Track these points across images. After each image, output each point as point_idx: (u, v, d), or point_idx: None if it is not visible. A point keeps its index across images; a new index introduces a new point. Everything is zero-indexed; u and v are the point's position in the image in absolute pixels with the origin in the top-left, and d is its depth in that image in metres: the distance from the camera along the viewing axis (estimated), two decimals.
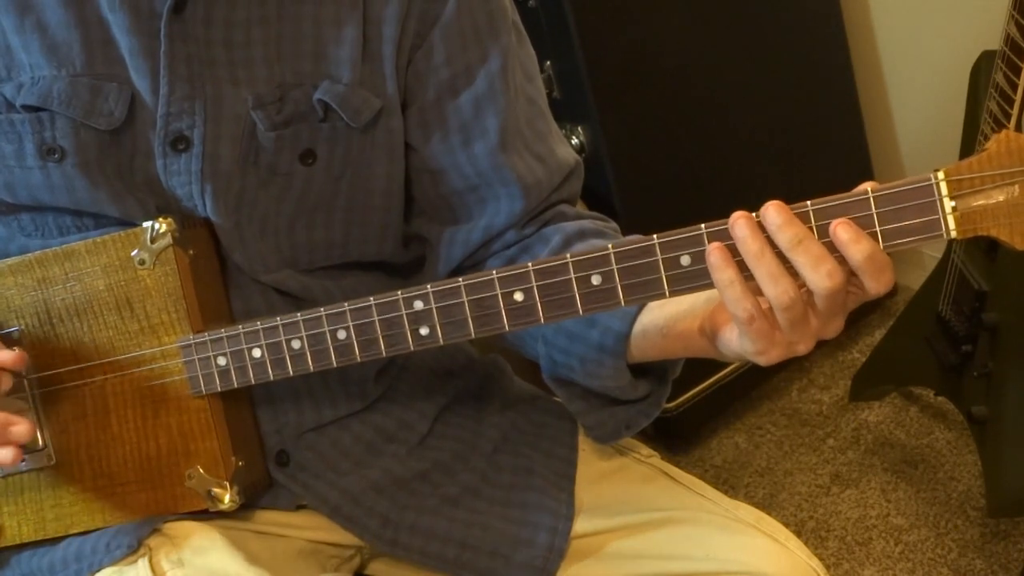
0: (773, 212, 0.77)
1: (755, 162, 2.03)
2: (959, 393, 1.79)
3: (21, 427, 0.92)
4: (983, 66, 1.61)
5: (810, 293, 0.78)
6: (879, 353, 2.03)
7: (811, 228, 0.77)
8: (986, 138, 1.53)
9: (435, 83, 1.00)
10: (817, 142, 2.11)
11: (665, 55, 1.89)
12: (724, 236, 0.78)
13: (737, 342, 0.83)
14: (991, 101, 1.49)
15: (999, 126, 1.48)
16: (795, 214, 0.77)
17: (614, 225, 1.07)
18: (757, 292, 0.79)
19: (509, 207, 1.03)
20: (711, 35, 1.93)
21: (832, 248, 0.77)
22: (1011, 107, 1.44)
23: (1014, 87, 1.43)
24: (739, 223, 0.78)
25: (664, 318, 0.92)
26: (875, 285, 0.77)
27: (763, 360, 0.82)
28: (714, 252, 0.78)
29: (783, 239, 0.76)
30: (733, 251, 0.78)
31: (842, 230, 0.76)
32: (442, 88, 1.00)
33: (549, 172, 1.05)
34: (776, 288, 0.77)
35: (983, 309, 1.64)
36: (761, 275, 0.78)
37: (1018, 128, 1.46)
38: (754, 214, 0.78)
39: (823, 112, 2.12)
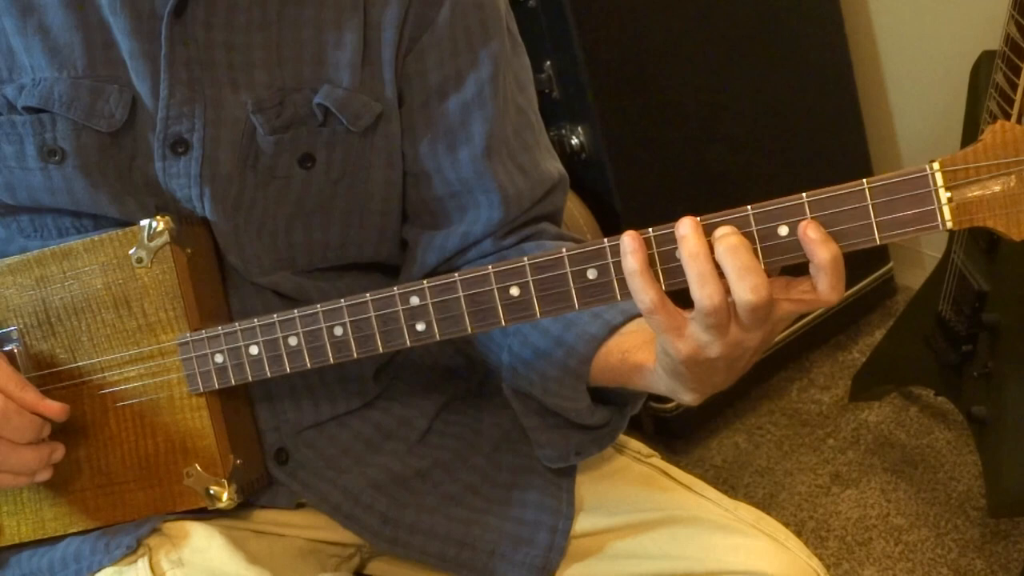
0: (721, 228, 0.78)
1: (755, 162, 2.03)
2: (959, 393, 1.78)
3: (59, 452, 0.97)
4: (983, 66, 1.61)
5: (735, 303, 0.78)
6: (879, 353, 2.03)
7: (806, 220, 0.76)
8: None
9: (424, 86, 1.00)
10: (817, 142, 2.11)
11: (665, 55, 1.88)
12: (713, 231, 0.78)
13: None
14: (991, 101, 1.49)
15: None
16: (790, 206, 0.77)
17: None
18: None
19: (488, 215, 1.03)
20: (711, 35, 1.93)
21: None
22: (1011, 107, 1.44)
23: (1014, 87, 1.43)
24: (682, 222, 0.78)
25: (628, 344, 0.92)
26: (830, 290, 0.77)
27: (673, 352, 0.81)
28: (628, 238, 0.79)
29: (720, 246, 0.77)
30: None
31: (811, 228, 0.76)
32: (431, 92, 1.00)
33: (531, 184, 1.05)
34: (702, 291, 0.77)
35: (983, 309, 1.64)
36: (691, 275, 0.78)
37: None
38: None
39: (823, 112, 2.12)
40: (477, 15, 1.00)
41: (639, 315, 0.83)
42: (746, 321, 0.78)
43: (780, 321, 0.80)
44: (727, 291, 0.77)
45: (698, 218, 0.78)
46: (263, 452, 1.02)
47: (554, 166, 1.08)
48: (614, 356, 0.93)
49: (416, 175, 1.03)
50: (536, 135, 1.07)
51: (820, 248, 0.76)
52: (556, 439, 1.02)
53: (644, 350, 0.89)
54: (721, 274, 0.77)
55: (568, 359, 0.94)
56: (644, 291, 0.79)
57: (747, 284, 0.76)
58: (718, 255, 0.77)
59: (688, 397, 0.87)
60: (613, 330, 0.93)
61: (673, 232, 0.79)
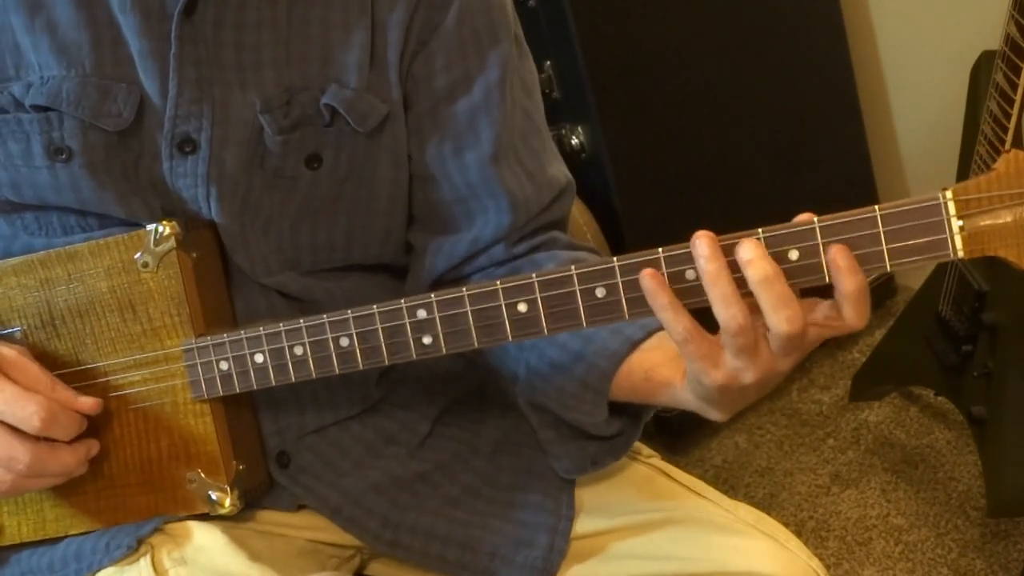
0: (746, 247, 0.76)
1: (755, 162, 2.03)
2: (959, 393, 1.79)
3: (95, 447, 0.97)
4: (983, 66, 1.61)
5: (768, 329, 0.77)
6: (879, 353, 2.03)
7: (817, 245, 0.76)
8: (986, 138, 1.53)
9: (431, 90, 1.00)
10: (817, 142, 2.11)
11: (665, 55, 1.89)
12: (731, 250, 0.77)
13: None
14: (991, 101, 1.49)
15: (999, 126, 1.48)
16: (801, 230, 0.76)
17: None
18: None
19: (497, 220, 1.03)
20: (711, 35, 1.93)
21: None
22: (1011, 107, 1.44)
23: (1014, 87, 1.43)
24: (700, 242, 0.77)
25: (651, 361, 0.91)
26: (855, 317, 0.76)
27: (707, 380, 0.81)
28: (648, 279, 0.78)
29: (751, 274, 0.76)
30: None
31: (841, 257, 0.75)
32: (438, 95, 1.00)
33: (538, 189, 1.04)
34: (727, 312, 0.77)
35: (983, 309, 1.64)
36: (714, 296, 0.77)
37: (1018, 128, 1.46)
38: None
39: (823, 112, 2.12)
40: (485, 18, 1.00)
41: (660, 329, 0.83)
42: (779, 350, 0.78)
43: (810, 345, 0.80)
44: (751, 310, 0.77)
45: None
46: (265, 456, 1.02)
47: (561, 171, 1.08)
48: (637, 374, 0.92)
49: (424, 179, 1.03)
50: (543, 140, 1.07)
51: (846, 277, 0.75)
52: (572, 451, 1.02)
53: (669, 367, 0.89)
54: (744, 293, 0.77)
55: (588, 375, 0.94)
56: (676, 322, 0.79)
57: (783, 315, 0.76)
58: (751, 284, 0.76)
59: (716, 416, 0.87)
60: (634, 346, 0.93)
61: (683, 253, 0.78)
